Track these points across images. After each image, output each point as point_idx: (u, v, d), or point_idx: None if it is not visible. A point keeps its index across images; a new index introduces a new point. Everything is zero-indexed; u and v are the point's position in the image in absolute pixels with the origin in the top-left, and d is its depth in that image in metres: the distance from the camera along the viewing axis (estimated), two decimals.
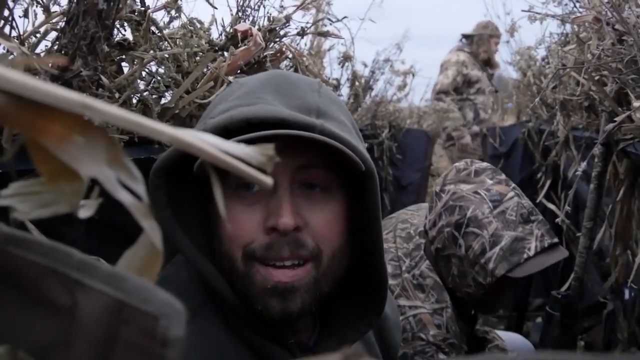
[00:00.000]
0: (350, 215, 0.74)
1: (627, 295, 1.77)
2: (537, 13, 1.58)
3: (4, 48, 0.69)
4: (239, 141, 0.63)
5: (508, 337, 1.82)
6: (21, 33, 0.82)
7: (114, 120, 0.26)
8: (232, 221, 0.69)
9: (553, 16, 1.67)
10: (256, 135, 0.64)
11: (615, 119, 1.25)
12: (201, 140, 0.28)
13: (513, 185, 1.33)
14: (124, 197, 0.28)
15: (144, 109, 0.91)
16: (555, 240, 1.27)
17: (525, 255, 1.21)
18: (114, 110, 0.26)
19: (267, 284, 0.68)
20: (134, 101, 0.96)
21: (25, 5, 0.80)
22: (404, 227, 1.47)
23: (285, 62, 1.26)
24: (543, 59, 2.81)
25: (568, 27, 2.00)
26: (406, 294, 1.34)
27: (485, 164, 1.38)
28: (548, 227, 1.30)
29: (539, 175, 2.96)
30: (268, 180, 0.31)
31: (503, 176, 1.34)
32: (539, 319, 2.82)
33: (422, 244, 1.40)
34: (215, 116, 0.70)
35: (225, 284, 0.70)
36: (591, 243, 1.61)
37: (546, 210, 2.47)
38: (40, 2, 0.80)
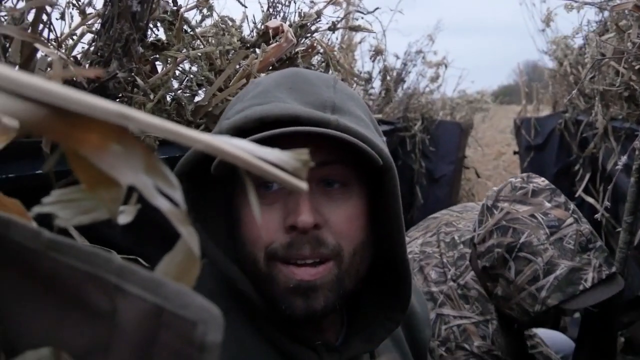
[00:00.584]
0: (371, 211, 0.73)
1: None
2: (574, 1, 1.54)
3: (42, 52, 0.71)
4: (253, 140, 0.63)
5: (548, 335, 1.79)
6: (58, 35, 0.83)
7: (152, 129, 0.27)
8: (252, 222, 0.69)
9: (591, 4, 1.62)
10: (270, 134, 0.63)
11: None
12: (236, 147, 0.28)
13: (572, 208, 1.27)
14: (162, 203, 0.28)
15: (178, 107, 0.93)
16: (613, 270, 1.21)
17: (581, 287, 1.16)
18: (151, 119, 0.26)
19: (289, 283, 0.67)
20: (168, 100, 0.97)
21: (62, 8, 0.82)
22: (448, 231, 1.44)
23: (317, 58, 1.26)
24: (580, 48, 2.74)
25: (606, 14, 1.94)
26: (451, 303, 1.31)
27: (544, 183, 1.32)
28: (607, 254, 1.24)
29: (576, 168, 2.90)
30: (304, 185, 0.30)
31: (562, 198, 1.28)
32: (577, 314, 2.77)
33: (468, 254, 1.37)
34: (231, 117, 0.70)
35: (251, 286, 0.70)
36: (632, 238, 1.56)
37: (584, 204, 2.42)
38: (77, 4, 0.81)
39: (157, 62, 0.98)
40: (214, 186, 0.74)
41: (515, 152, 3.73)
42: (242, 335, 0.71)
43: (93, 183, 0.31)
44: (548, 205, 1.25)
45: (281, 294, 0.68)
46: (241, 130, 0.66)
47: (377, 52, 1.64)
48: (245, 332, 0.72)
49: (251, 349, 0.71)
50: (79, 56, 0.79)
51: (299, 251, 0.67)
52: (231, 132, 0.66)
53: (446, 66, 3.78)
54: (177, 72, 0.99)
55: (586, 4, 1.65)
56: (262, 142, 0.63)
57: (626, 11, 1.44)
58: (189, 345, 0.27)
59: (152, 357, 0.28)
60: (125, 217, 0.34)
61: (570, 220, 1.23)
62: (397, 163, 1.75)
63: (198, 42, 0.96)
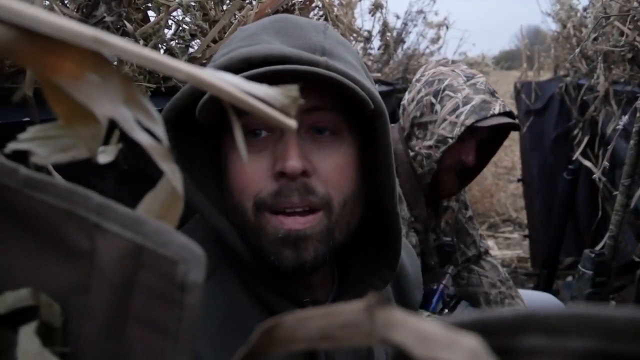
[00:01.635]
0: (362, 161, 0.72)
1: None
2: None
3: None
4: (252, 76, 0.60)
5: (538, 297, 1.81)
6: None
7: (129, 56, 0.25)
8: (241, 171, 0.66)
9: None
10: (257, 72, 0.61)
11: None
12: (221, 79, 0.26)
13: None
14: (142, 138, 0.27)
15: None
16: (512, 112, 1.50)
17: (491, 112, 1.44)
18: (128, 45, 0.25)
19: (278, 233, 0.65)
20: (161, 51, 0.94)
21: None
22: None
23: (315, 12, 1.22)
24: (584, 10, 2.68)
25: None
26: None
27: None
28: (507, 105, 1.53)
29: (575, 132, 2.88)
30: (292, 122, 0.29)
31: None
32: (570, 278, 2.79)
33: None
34: (217, 59, 0.68)
35: (239, 239, 0.68)
36: (628, 201, 1.56)
37: (582, 168, 2.41)
38: None
39: (149, 12, 0.95)
40: (200, 135, 0.72)
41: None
42: (232, 290, 0.70)
43: (70, 117, 0.29)
44: (464, 66, 1.61)
45: (270, 245, 0.66)
46: (227, 71, 0.64)
47: (377, 7, 1.61)
48: (234, 287, 0.70)
49: (240, 306, 0.69)
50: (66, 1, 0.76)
51: (287, 199, 0.65)
52: None
53: (447, 27, 3.71)
54: (171, 22, 0.96)
55: None
56: (266, 75, 0.60)
57: None
58: (169, 284, 0.26)
59: (132, 296, 0.27)
60: (105, 156, 0.32)
61: (480, 74, 1.57)
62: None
63: None
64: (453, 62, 1.63)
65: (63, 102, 0.28)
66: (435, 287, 1.63)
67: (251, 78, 0.60)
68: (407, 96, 1.61)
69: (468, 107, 1.45)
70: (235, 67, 0.63)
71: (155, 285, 0.26)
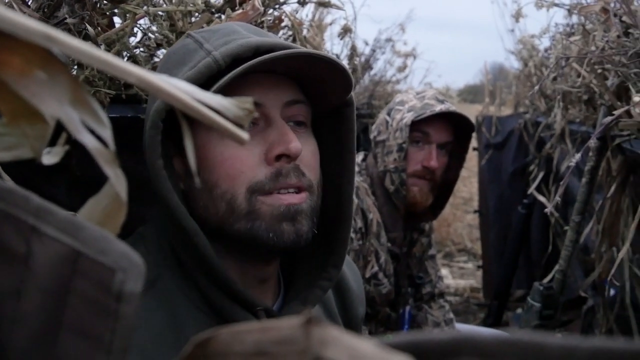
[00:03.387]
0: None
1: (612, 292, 1.78)
2: (544, 0, 1.55)
3: None
4: (256, 64, 0.63)
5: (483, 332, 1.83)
6: None
7: (79, 55, 0.24)
8: (232, 158, 0.68)
9: (559, 5, 1.64)
10: (282, 54, 0.64)
11: (614, 112, 1.24)
12: (173, 85, 0.26)
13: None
14: (88, 140, 0.26)
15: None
16: (461, 113, 1.56)
17: (430, 110, 1.51)
18: (79, 44, 0.24)
19: (279, 209, 0.68)
20: (124, 58, 0.93)
21: None
22: None
23: (284, 31, 1.23)
24: (546, 50, 2.78)
25: (575, 18, 1.97)
26: None
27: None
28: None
29: (531, 167, 2.96)
30: (244, 135, 0.29)
31: None
32: (520, 310, 2.84)
33: None
34: (217, 48, 0.68)
35: (207, 241, 0.68)
36: (578, 237, 1.60)
37: (536, 202, 2.47)
38: None
39: (116, 18, 0.94)
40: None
41: (474, 149, 3.78)
42: (171, 303, 0.69)
43: (15, 115, 0.28)
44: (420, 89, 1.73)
45: (268, 224, 0.68)
46: (238, 58, 0.66)
47: (345, 30, 1.62)
48: (174, 300, 0.69)
49: (180, 318, 0.69)
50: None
51: (286, 179, 0.68)
52: (228, 60, 0.66)
53: (415, 57, 3.78)
54: (137, 30, 0.95)
55: (556, 5, 1.67)
56: (271, 63, 0.64)
57: (594, 15, 1.46)
58: (105, 293, 0.25)
59: (67, 304, 0.26)
60: (50, 157, 0.31)
61: (432, 91, 1.64)
62: (359, 150, 1.78)
63: (160, 0, 0.93)
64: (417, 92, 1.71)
65: (8, 99, 0.27)
66: (402, 310, 1.65)
67: (276, 60, 0.64)
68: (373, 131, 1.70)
69: (412, 112, 1.54)
70: (246, 53, 0.66)
71: (90, 294, 0.25)
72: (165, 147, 0.69)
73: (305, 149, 0.71)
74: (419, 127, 1.54)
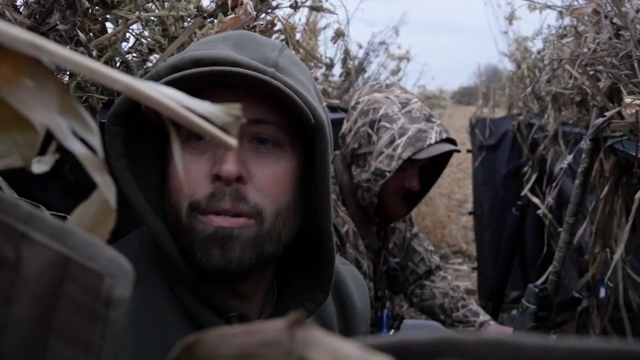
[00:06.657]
0: (302, 177, 0.73)
1: (602, 294, 1.78)
2: (537, 2, 1.56)
3: None
4: (182, 77, 0.63)
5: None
6: None
7: (67, 63, 0.25)
8: (180, 172, 0.67)
9: (552, 7, 1.65)
10: (201, 71, 0.62)
11: (606, 113, 1.24)
12: (161, 93, 0.26)
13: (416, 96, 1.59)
14: (76, 147, 0.27)
15: (127, 71, 0.89)
16: (450, 137, 1.51)
17: (427, 142, 1.43)
18: (66, 52, 0.24)
19: (207, 230, 0.66)
20: (117, 64, 0.93)
21: None
22: None
23: (277, 35, 1.23)
24: (539, 52, 2.80)
25: (567, 20, 1.98)
26: None
27: (395, 82, 1.66)
28: (445, 128, 1.53)
29: (525, 169, 2.97)
30: (233, 141, 0.29)
31: (408, 90, 1.61)
32: (514, 311, 2.84)
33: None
34: (169, 60, 0.68)
35: (174, 244, 0.68)
36: (572, 238, 1.61)
37: (530, 204, 2.48)
38: None
39: (108, 23, 0.94)
40: (149, 132, 0.71)
41: (468, 151, 3.79)
42: (157, 300, 0.69)
43: (5, 123, 0.29)
44: (398, 91, 1.57)
45: (199, 244, 0.66)
46: (176, 70, 0.65)
47: (339, 34, 1.63)
48: (160, 297, 0.69)
49: (164, 316, 0.68)
50: (18, 3, 0.74)
51: (219, 202, 0.66)
52: (166, 71, 0.65)
53: (408, 60, 3.80)
54: (129, 36, 0.95)
55: (549, 7, 1.68)
56: (194, 80, 0.63)
57: (585, 16, 1.47)
58: (94, 299, 0.25)
59: (56, 310, 0.26)
60: (40, 166, 0.31)
61: (415, 99, 1.55)
62: None
63: (152, 5, 0.93)
64: (387, 86, 1.59)
65: None
66: (380, 314, 1.64)
67: (196, 77, 0.62)
68: (345, 125, 1.59)
69: (404, 138, 1.43)
70: (186, 66, 0.64)
71: (80, 299, 0.26)
72: (143, 147, 0.70)
73: (261, 171, 0.68)
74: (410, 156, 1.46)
